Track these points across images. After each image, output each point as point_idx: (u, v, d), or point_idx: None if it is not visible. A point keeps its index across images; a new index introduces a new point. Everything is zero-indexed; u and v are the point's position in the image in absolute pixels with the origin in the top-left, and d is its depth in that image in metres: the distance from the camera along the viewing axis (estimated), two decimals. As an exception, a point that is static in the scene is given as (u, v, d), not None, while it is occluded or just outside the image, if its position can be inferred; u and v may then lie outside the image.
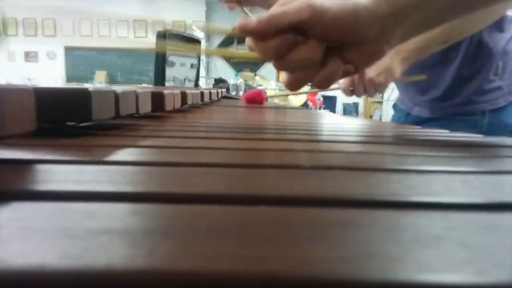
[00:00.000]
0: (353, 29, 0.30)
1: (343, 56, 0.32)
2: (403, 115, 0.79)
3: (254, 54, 0.34)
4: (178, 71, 1.45)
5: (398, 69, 0.62)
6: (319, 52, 0.31)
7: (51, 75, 5.39)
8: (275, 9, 0.31)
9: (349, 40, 0.31)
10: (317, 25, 0.30)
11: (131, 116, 0.36)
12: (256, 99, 0.85)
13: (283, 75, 0.35)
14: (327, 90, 0.35)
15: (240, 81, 1.79)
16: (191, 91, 0.62)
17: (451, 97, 0.68)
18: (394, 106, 0.85)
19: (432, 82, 0.70)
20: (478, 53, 0.66)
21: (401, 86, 0.78)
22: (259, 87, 2.72)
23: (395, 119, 0.83)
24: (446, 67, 0.68)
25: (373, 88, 0.63)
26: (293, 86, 0.34)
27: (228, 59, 5.35)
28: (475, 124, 0.67)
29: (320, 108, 3.75)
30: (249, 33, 0.32)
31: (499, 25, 0.65)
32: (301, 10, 0.30)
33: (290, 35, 0.31)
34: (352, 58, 0.32)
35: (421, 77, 0.68)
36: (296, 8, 0.30)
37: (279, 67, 0.33)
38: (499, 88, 0.66)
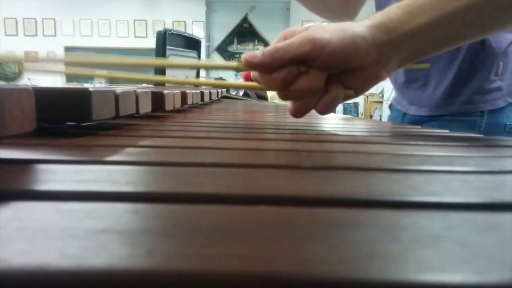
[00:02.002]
0: (353, 57, 0.32)
1: (343, 82, 0.34)
2: (399, 116, 0.79)
3: (258, 85, 0.35)
4: (178, 71, 1.45)
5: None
6: (321, 80, 0.33)
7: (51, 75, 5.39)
8: (278, 43, 0.33)
9: (349, 67, 0.33)
10: (319, 57, 0.31)
11: (131, 116, 0.36)
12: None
13: (288, 104, 0.36)
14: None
15: (240, 81, 1.79)
16: (191, 91, 0.62)
17: (451, 95, 0.68)
18: (390, 107, 0.85)
19: (433, 79, 0.70)
20: (481, 51, 0.66)
21: (400, 84, 0.77)
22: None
23: (391, 119, 0.83)
24: (448, 64, 0.68)
25: None
26: (298, 113, 0.36)
27: (229, 60, 5.35)
28: (473, 125, 0.67)
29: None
30: (254, 66, 0.33)
31: None
32: (303, 43, 0.31)
33: (293, 67, 0.32)
34: (352, 83, 0.34)
35: (425, 65, 0.68)
36: (299, 42, 0.32)
37: (284, 97, 0.35)
38: (499, 88, 0.66)
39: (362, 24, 0.33)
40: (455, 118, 0.68)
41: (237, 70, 0.37)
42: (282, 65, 0.32)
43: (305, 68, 0.33)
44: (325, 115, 0.37)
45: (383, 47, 0.32)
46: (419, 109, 0.73)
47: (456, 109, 0.68)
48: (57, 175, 0.16)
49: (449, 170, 0.20)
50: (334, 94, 0.34)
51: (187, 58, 1.54)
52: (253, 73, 0.35)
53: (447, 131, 0.42)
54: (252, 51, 0.34)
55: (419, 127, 0.52)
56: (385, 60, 0.33)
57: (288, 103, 0.37)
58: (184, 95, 0.56)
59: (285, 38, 0.34)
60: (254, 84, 0.36)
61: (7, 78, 0.50)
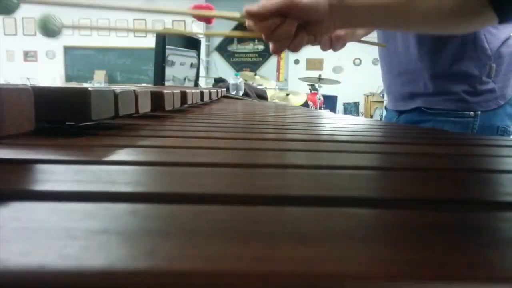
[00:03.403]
0: (315, 12, 0.48)
1: (307, 30, 0.50)
2: (394, 116, 0.79)
3: (251, 34, 0.51)
4: (178, 71, 1.45)
5: (361, 32, 0.72)
6: (293, 28, 0.49)
7: (50, 74, 5.39)
8: (265, 2, 0.48)
9: (311, 20, 0.49)
10: (294, 11, 0.47)
11: (130, 116, 0.36)
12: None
13: (270, 45, 0.52)
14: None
15: (240, 80, 1.79)
16: (191, 90, 0.62)
17: (442, 92, 0.68)
18: (386, 108, 0.85)
19: (422, 74, 0.70)
20: (473, 52, 0.66)
21: (391, 77, 0.77)
22: (259, 87, 2.72)
23: (387, 119, 0.83)
24: (437, 60, 0.68)
25: (339, 43, 0.68)
26: (277, 51, 0.52)
27: (228, 59, 5.35)
28: (466, 126, 0.67)
29: (320, 108, 3.75)
30: (252, 15, 0.49)
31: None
32: (285, 1, 0.47)
33: (276, 19, 0.48)
34: (312, 31, 0.51)
35: (382, 44, 0.76)
36: (281, 0, 0.47)
37: (268, 39, 0.50)
38: (491, 90, 0.66)
39: None
40: (449, 119, 0.68)
41: (240, 20, 0.52)
42: (269, 16, 0.48)
43: (283, 19, 0.48)
44: (296, 52, 0.53)
45: (334, 8, 0.48)
46: (409, 102, 0.73)
47: (448, 105, 0.68)
48: (56, 175, 0.16)
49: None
50: (301, 38, 0.51)
51: (187, 57, 1.54)
52: (248, 22, 0.51)
53: (447, 130, 0.42)
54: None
55: (420, 127, 0.52)
56: (334, 18, 0.49)
57: (270, 45, 0.52)
58: (183, 95, 0.55)
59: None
60: (247, 33, 0.52)
61: (54, 32, 0.55)
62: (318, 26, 0.50)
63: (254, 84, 3.04)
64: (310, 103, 3.75)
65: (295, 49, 0.52)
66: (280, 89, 3.78)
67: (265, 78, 3.58)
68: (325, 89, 4.10)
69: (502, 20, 0.45)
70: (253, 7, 0.48)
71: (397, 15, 0.48)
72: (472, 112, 0.67)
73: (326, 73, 4.64)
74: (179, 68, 1.45)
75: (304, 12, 0.48)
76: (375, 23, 0.53)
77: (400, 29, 0.56)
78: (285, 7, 0.47)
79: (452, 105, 0.68)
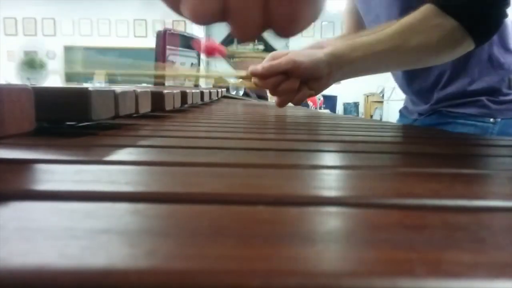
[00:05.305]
0: (316, 72, 0.54)
1: (308, 86, 0.56)
2: (409, 121, 0.79)
3: (255, 86, 0.57)
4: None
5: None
6: (296, 84, 0.55)
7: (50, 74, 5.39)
8: (270, 62, 0.54)
9: (312, 77, 0.55)
10: (296, 71, 0.53)
11: (130, 116, 0.36)
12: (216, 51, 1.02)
13: (274, 98, 0.58)
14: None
15: (240, 80, 1.79)
16: (191, 90, 0.62)
17: (465, 95, 0.68)
18: (400, 112, 0.85)
19: (443, 89, 0.70)
20: (490, 68, 0.66)
21: (409, 89, 0.77)
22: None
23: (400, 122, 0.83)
24: (458, 71, 0.68)
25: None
26: (281, 105, 0.59)
27: (228, 59, 5.35)
28: (485, 131, 0.67)
29: (320, 108, 3.75)
30: (257, 75, 0.55)
31: (504, 44, 0.66)
32: (288, 63, 0.53)
33: (280, 76, 0.54)
34: (313, 87, 0.57)
35: None
36: (285, 62, 0.53)
37: (273, 94, 0.57)
38: None
39: (323, 51, 0.54)
40: (468, 122, 0.68)
41: (246, 78, 0.58)
42: (273, 75, 0.54)
43: (286, 76, 0.54)
44: (299, 105, 0.60)
45: (333, 66, 0.54)
46: (424, 103, 0.72)
47: (471, 110, 0.68)
48: (57, 175, 0.16)
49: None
50: (303, 93, 0.56)
51: (187, 57, 1.54)
52: (253, 79, 0.55)
53: (448, 130, 0.42)
54: (254, 64, 0.55)
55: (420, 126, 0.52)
56: (333, 74, 0.55)
57: (275, 98, 0.59)
58: (184, 95, 0.56)
59: (273, 58, 0.55)
60: (252, 84, 0.57)
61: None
62: (318, 82, 0.56)
63: (255, 84, 3.03)
64: (310, 103, 3.75)
65: (298, 102, 0.57)
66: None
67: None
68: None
69: (477, 43, 0.51)
70: (257, 69, 0.54)
71: (390, 58, 0.54)
72: (492, 119, 0.67)
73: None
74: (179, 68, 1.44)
75: (305, 72, 0.54)
76: (370, 70, 0.58)
77: (391, 69, 0.63)
78: (289, 69, 0.53)
79: (474, 110, 0.68)
